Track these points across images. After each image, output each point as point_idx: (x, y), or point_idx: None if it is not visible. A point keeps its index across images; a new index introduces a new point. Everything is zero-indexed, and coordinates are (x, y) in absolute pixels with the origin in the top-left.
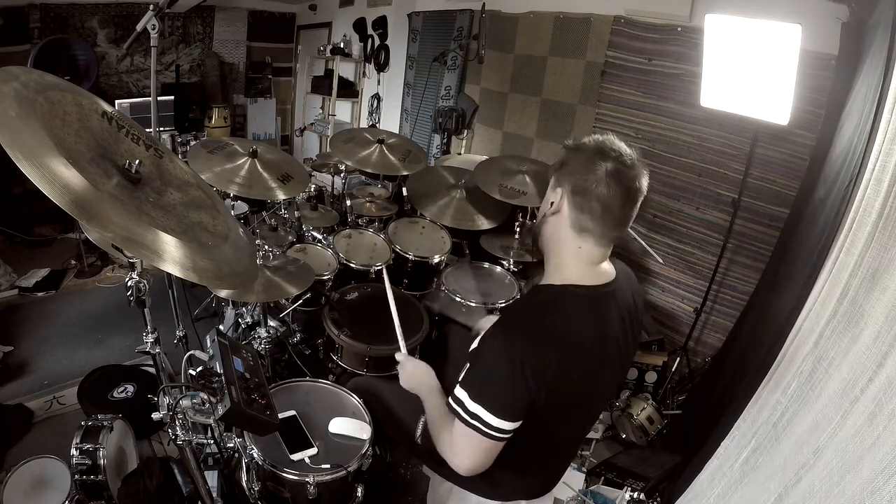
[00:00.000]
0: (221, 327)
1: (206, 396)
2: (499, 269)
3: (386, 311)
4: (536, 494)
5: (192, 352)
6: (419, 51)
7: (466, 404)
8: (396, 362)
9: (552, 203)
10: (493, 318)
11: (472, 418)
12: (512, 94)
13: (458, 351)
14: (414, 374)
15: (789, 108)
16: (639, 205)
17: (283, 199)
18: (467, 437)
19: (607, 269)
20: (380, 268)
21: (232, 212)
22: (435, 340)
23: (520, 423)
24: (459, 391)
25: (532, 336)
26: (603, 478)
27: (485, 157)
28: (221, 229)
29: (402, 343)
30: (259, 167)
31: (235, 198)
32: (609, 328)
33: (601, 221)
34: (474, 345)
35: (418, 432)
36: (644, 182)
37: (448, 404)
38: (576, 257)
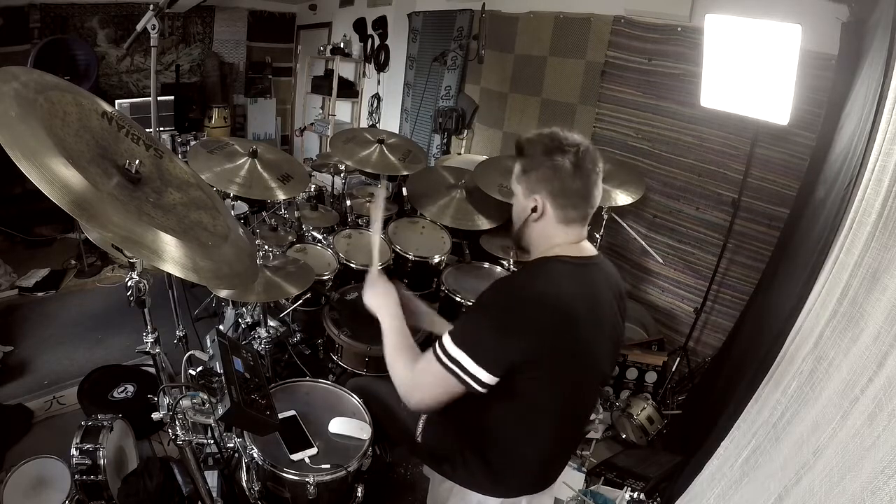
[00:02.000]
0: (221, 327)
1: (206, 396)
2: (499, 269)
3: None
4: (538, 487)
5: (192, 352)
6: (419, 51)
7: (448, 348)
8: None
9: (534, 209)
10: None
11: (450, 361)
12: (512, 94)
13: None
14: (381, 294)
15: (789, 108)
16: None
17: (283, 199)
18: (437, 376)
19: (589, 247)
20: (380, 268)
21: (232, 212)
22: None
23: (497, 379)
24: (446, 338)
25: (524, 295)
26: (603, 478)
27: (485, 157)
28: (221, 229)
29: (376, 260)
30: (259, 167)
31: (235, 198)
32: (601, 295)
33: (583, 207)
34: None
35: (419, 430)
36: (600, 161)
37: (432, 349)
38: (564, 240)
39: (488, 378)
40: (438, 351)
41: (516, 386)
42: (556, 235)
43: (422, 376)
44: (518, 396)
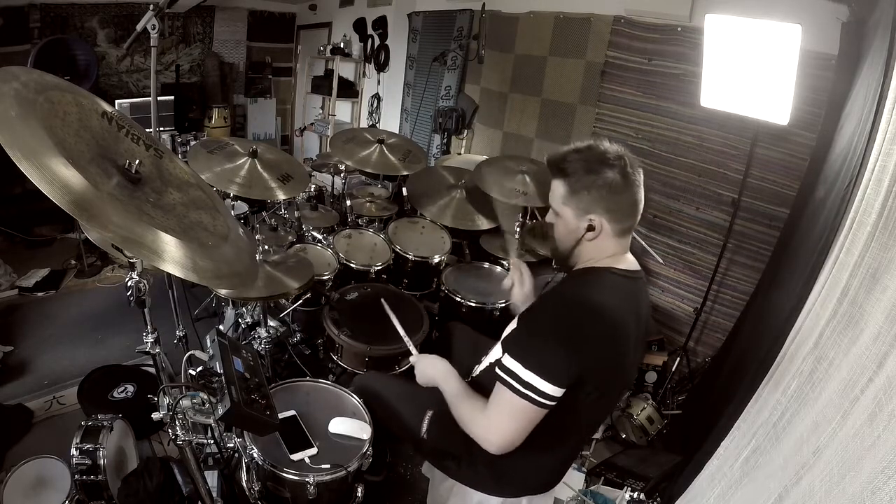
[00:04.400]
0: (221, 327)
1: (206, 396)
2: (499, 269)
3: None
4: (540, 489)
5: (192, 352)
6: (419, 51)
7: (520, 374)
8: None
9: (590, 227)
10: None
11: (526, 388)
12: (512, 94)
13: (461, 348)
14: (429, 368)
15: (789, 108)
16: None
17: (283, 199)
18: (517, 408)
19: (634, 260)
20: (380, 268)
21: (232, 212)
22: (436, 340)
23: (564, 391)
24: (510, 362)
25: (584, 307)
26: (603, 478)
27: (485, 157)
28: (221, 229)
29: (412, 348)
30: (259, 167)
31: (235, 198)
32: (641, 311)
33: (634, 216)
34: (515, 320)
35: (423, 428)
36: (637, 165)
37: (498, 376)
38: (617, 251)
39: (558, 392)
40: (509, 379)
41: (563, 397)
42: (610, 247)
43: (497, 413)
44: (560, 406)
